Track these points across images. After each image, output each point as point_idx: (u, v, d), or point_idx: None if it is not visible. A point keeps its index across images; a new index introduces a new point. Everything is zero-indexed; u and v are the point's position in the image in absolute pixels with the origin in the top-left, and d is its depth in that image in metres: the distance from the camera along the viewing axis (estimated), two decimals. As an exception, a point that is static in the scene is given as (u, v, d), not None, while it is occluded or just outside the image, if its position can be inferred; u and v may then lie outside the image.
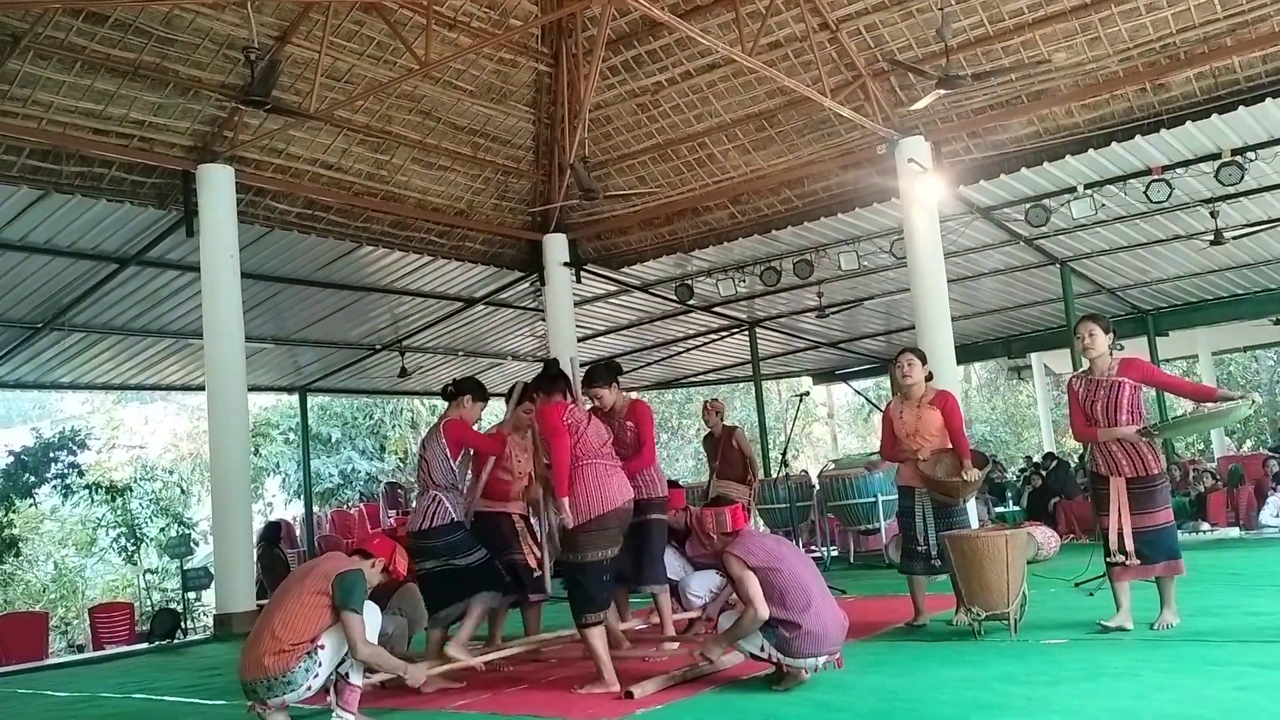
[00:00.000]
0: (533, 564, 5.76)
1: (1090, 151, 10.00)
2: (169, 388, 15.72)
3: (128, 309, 12.03)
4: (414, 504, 5.65)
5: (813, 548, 12.19)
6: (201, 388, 11.33)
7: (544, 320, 13.93)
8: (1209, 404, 5.37)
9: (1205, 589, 6.63)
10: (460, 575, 5.42)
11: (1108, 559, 5.33)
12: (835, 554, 11.85)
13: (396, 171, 11.36)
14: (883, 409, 6.46)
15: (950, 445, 5.98)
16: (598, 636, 4.82)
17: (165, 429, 25.89)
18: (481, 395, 5.89)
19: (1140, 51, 9.43)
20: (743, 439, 9.19)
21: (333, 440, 23.24)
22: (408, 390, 18.39)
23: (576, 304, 13.60)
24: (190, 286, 11.20)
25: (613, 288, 14.41)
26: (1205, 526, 11.66)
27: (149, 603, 16.12)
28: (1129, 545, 5.22)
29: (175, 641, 10.19)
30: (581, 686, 4.84)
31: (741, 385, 25.51)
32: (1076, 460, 15.82)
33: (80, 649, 14.05)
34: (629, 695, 4.56)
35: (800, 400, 11.84)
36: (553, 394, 5.21)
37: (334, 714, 4.32)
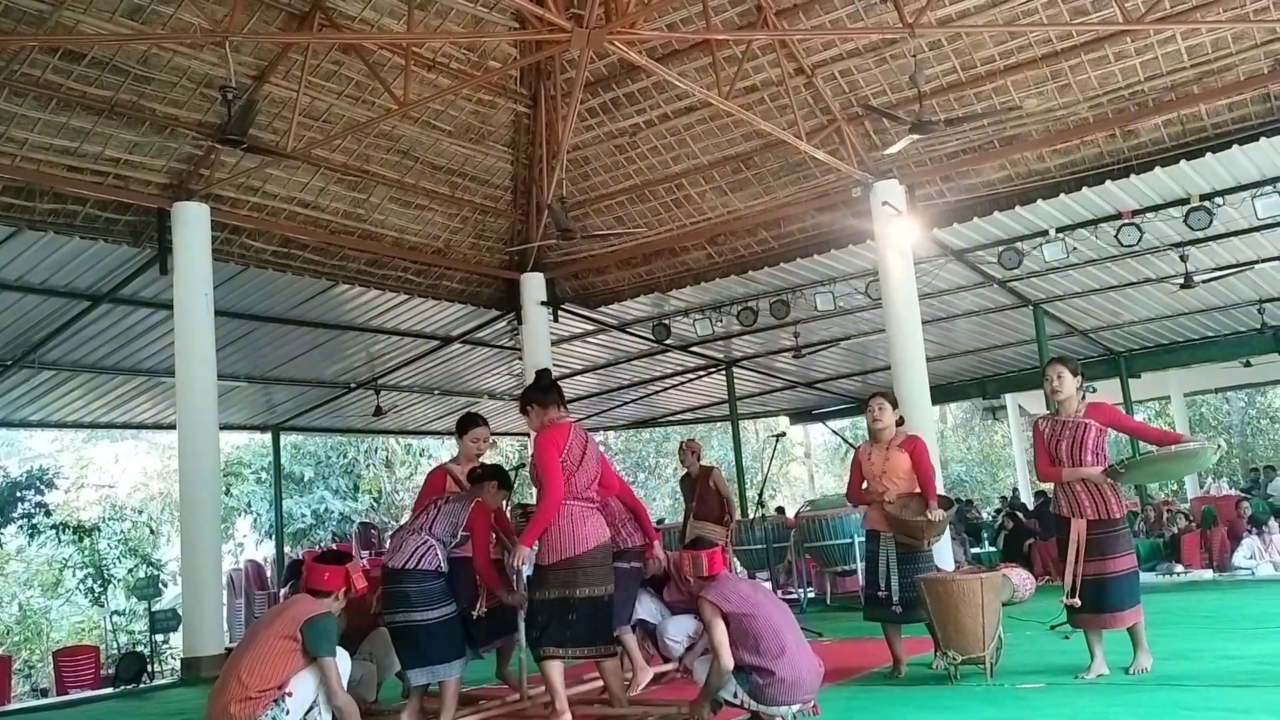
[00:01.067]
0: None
1: (1061, 195, 10.13)
2: (140, 426, 15.55)
3: (99, 346, 11.91)
4: (395, 540, 5.41)
5: (789, 588, 12.13)
6: (173, 426, 11.18)
7: (520, 359, 13.91)
8: (1174, 445, 5.39)
9: (1180, 632, 6.64)
10: (421, 633, 5.08)
11: (1066, 603, 5.31)
12: (812, 595, 11.80)
13: (374, 210, 11.35)
14: (855, 451, 6.47)
15: (917, 490, 5.98)
16: (555, 670, 4.82)
17: (135, 467, 25.58)
18: (507, 484, 5.61)
19: (1110, 98, 9.61)
20: (719, 479, 9.16)
21: (305, 479, 23.02)
22: (382, 429, 18.28)
23: (554, 343, 13.60)
24: (163, 324, 11.10)
25: (590, 326, 14.42)
26: (1179, 568, 11.72)
27: (115, 645, 15.86)
28: (1077, 587, 5.21)
29: (141, 686, 10.01)
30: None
31: (718, 425, 25.52)
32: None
33: (44, 693, 13.78)
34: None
35: (777, 440, 11.83)
36: (547, 407, 5.09)
37: (301, 762, 4.23)
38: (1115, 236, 10.39)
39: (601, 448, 5.82)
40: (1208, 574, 11.40)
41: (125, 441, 24.58)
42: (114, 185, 9.34)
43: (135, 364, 12.60)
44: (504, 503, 5.71)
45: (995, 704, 4.79)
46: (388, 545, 5.41)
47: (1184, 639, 6.32)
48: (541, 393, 5.16)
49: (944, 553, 9.60)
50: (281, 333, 12.67)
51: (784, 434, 14.64)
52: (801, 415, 21.51)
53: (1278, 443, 28.82)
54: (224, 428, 13.16)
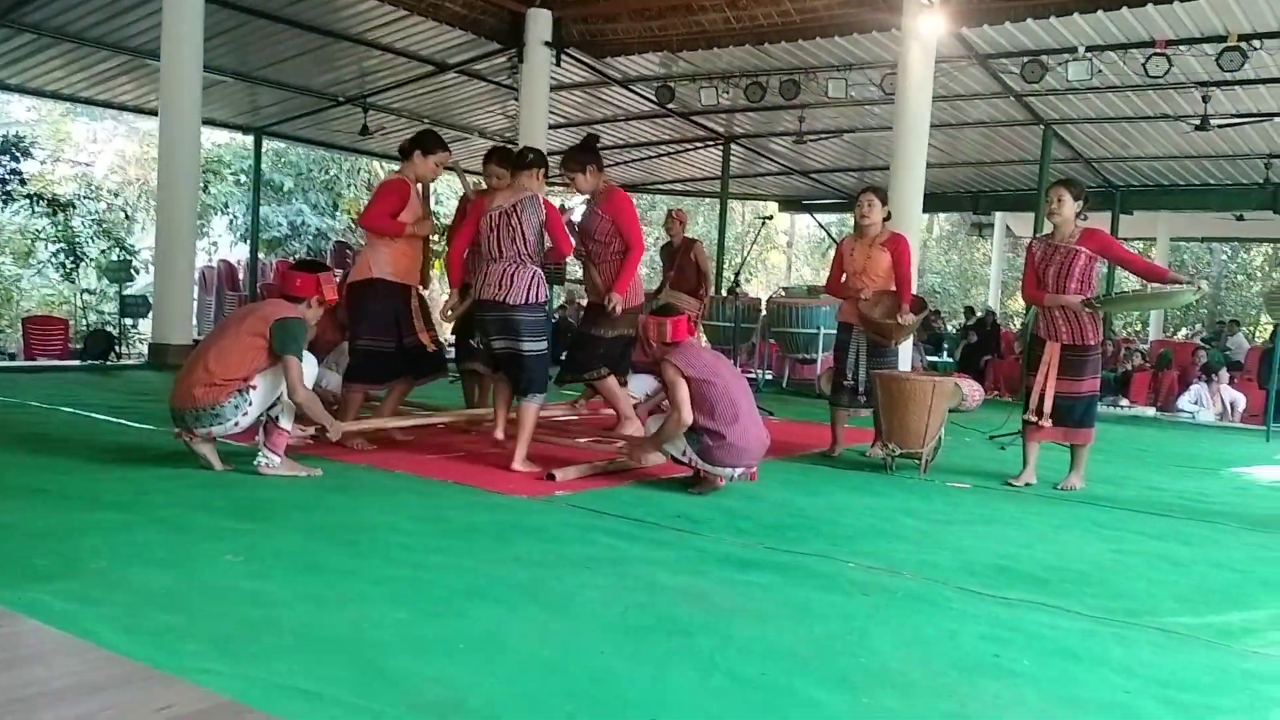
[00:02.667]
0: (427, 343, 5.55)
1: (1099, 12, 9.69)
2: (121, 107, 15.10)
3: (85, 15, 11.36)
4: (491, 271, 5.06)
5: (748, 369, 12.44)
6: (154, 112, 10.91)
7: (517, 99, 13.52)
8: (1155, 284, 5.47)
9: (1112, 460, 6.94)
10: (529, 361, 5.08)
11: (1025, 417, 5.53)
12: (769, 378, 12.13)
13: (382, -88, 10.64)
14: (838, 244, 6.50)
15: (894, 288, 6.05)
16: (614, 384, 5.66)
17: (113, 150, 25.06)
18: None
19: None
20: (701, 253, 9.16)
21: (285, 189, 22.73)
22: (367, 150, 17.92)
23: (552, 88, 13.17)
24: (151, 3, 10.58)
25: (592, 78, 13.94)
26: (1124, 403, 12.13)
27: (84, 323, 16.06)
28: (1047, 408, 5.42)
29: (108, 363, 10.22)
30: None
31: (707, 201, 25.31)
32: (1020, 326, 16.17)
33: (11, 357, 14.05)
34: (550, 477, 4.72)
35: (763, 223, 11.80)
36: (601, 170, 5.59)
37: (260, 453, 4.41)
38: (1143, 65, 10.05)
39: (584, 206, 5.88)
40: (1150, 412, 11.81)
41: (105, 121, 23.95)
42: None
43: (120, 40, 12.09)
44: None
45: (921, 496, 5.05)
46: (478, 276, 5.08)
47: (1113, 467, 6.62)
48: (597, 156, 5.54)
49: (904, 356, 9.82)
50: (273, 30, 12.13)
51: (770, 218, 14.56)
52: (791, 204, 21.32)
53: (1248, 299, 29.20)
54: (206, 122, 12.85)
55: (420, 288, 5.58)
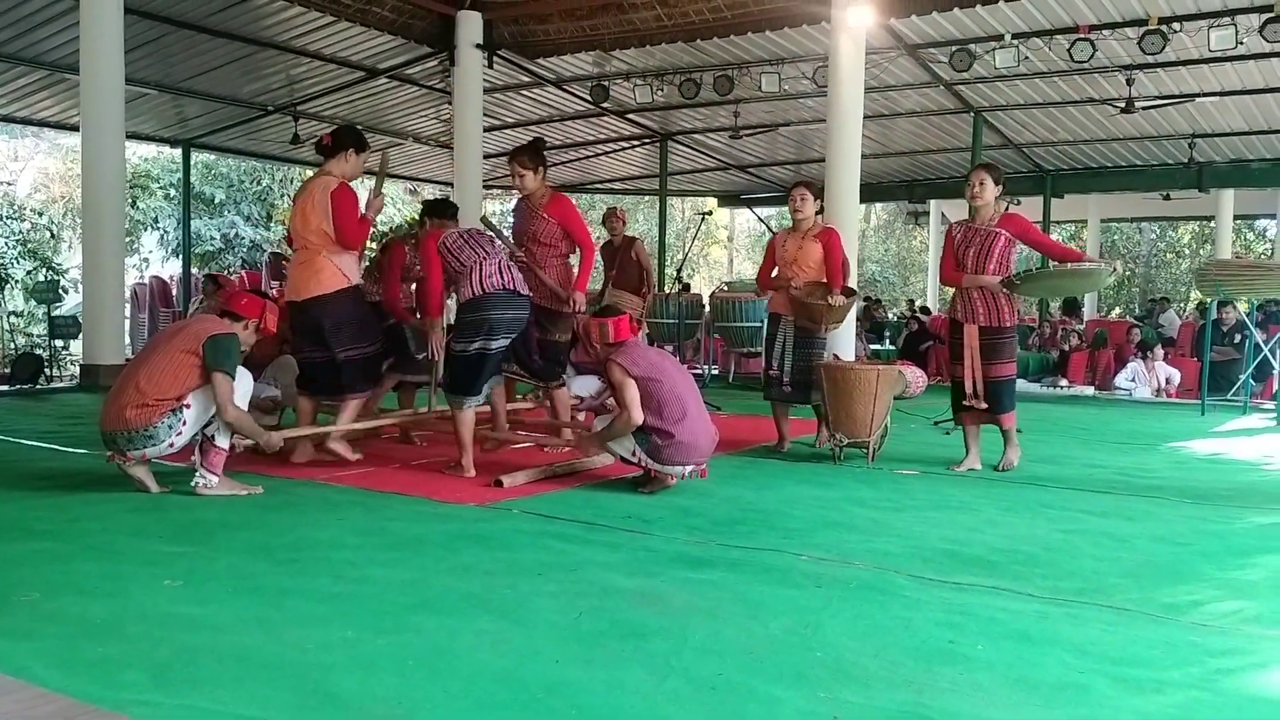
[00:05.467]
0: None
1: (1023, 0, 9.86)
2: (41, 123, 14.69)
3: (-3, 31, 11.05)
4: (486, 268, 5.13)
5: (694, 365, 12.45)
6: (76, 127, 10.61)
7: (450, 104, 13.37)
8: (1071, 263, 5.55)
9: (1053, 440, 7.05)
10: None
11: (960, 403, 5.57)
12: (715, 373, 12.15)
13: (304, -84, 10.46)
14: (771, 237, 6.53)
15: (825, 280, 6.08)
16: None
17: (35, 167, 24.40)
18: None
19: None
20: (641, 251, 9.16)
21: (216, 201, 22.29)
22: (300, 159, 17.62)
23: (486, 91, 13.06)
24: (68, 15, 10.30)
25: (525, 79, 13.84)
26: (1064, 382, 12.34)
27: (12, 346, 15.60)
28: (981, 389, 5.47)
29: (38, 387, 9.93)
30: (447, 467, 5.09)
31: (646, 198, 25.33)
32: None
33: (-65, 385, 13.57)
34: (498, 484, 4.66)
35: (703, 219, 11.81)
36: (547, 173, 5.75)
37: (197, 473, 4.29)
38: (1068, 51, 10.24)
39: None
40: (1089, 390, 12.03)
41: (25, 139, 23.33)
42: None
43: (38, 54, 11.75)
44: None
45: (870, 484, 5.07)
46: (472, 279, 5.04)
47: (1055, 446, 6.72)
48: (545, 160, 5.64)
49: (847, 345, 9.89)
50: (196, 41, 11.86)
51: (710, 213, 14.58)
52: (730, 199, 21.41)
53: (1178, 276, 29.91)
54: (131, 136, 12.57)
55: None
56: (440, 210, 5.79)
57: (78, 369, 10.44)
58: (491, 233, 5.50)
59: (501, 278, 5.07)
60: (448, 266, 5.12)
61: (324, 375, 5.23)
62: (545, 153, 5.76)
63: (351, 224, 4.99)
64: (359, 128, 6.22)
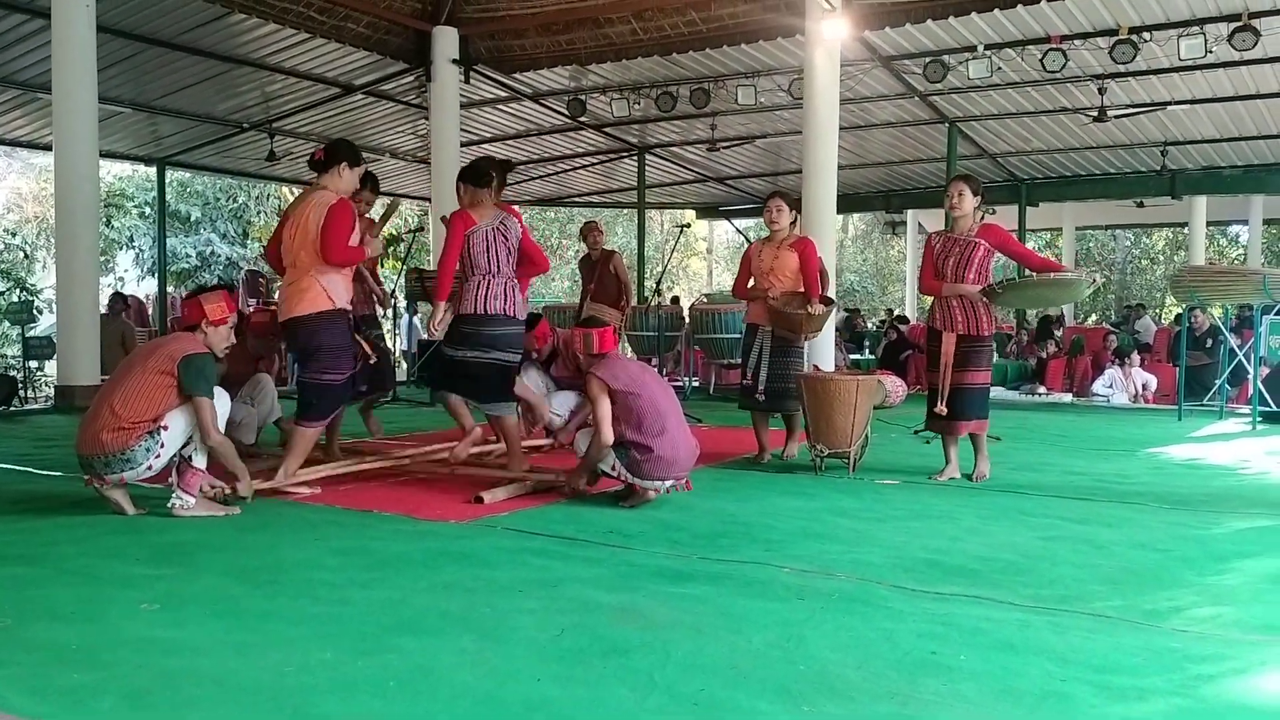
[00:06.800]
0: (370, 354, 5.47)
1: (996, 11, 9.95)
2: (14, 143, 14.59)
3: (-35, 51, 10.96)
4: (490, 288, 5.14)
5: (675, 377, 12.45)
6: (49, 147, 10.55)
7: (427, 119, 13.36)
8: (1052, 273, 5.60)
9: (1032, 447, 7.09)
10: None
11: (936, 409, 5.59)
12: (696, 385, 12.15)
13: (277, -66, 10.45)
14: (747, 248, 6.55)
15: (802, 290, 6.10)
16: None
17: (7, 188, 24.20)
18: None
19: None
20: (620, 264, 9.18)
21: (192, 219, 22.18)
22: (276, 175, 17.57)
23: (462, 106, 13.08)
24: (40, 34, 10.24)
25: (502, 94, 13.87)
26: (1041, 390, 12.42)
27: (-14, 368, 15.44)
28: (944, 396, 5.50)
29: (12, 409, 9.82)
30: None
31: (625, 211, 25.35)
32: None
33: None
34: (479, 500, 4.64)
35: (681, 231, 11.83)
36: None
37: (174, 494, 4.24)
38: (1040, 61, 10.36)
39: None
40: (1067, 398, 12.11)
41: (-3, 159, 23.15)
42: None
43: (9, 73, 11.68)
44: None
45: (852, 494, 5.08)
46: (477, 294, 5.04)
47: (1034, 453, 6.76)
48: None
49: (826, 356, 9.92)
50: (170, 59, 11.83)
51: (689, 225, 14.63)
52: (708, 210, 21.48)
53: (1153, 282, 30.19)
54: (105, 155, 12.48)
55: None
56: (478, 178, 5.21)
57: (53, 390, 10.33)
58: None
59: (503, 301, 5.07)
60: (463, 257, 5.08)
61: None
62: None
63: (339, 241, 4.73)
64: (344, 138, 6.10)
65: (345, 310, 4.94)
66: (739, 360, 10.85)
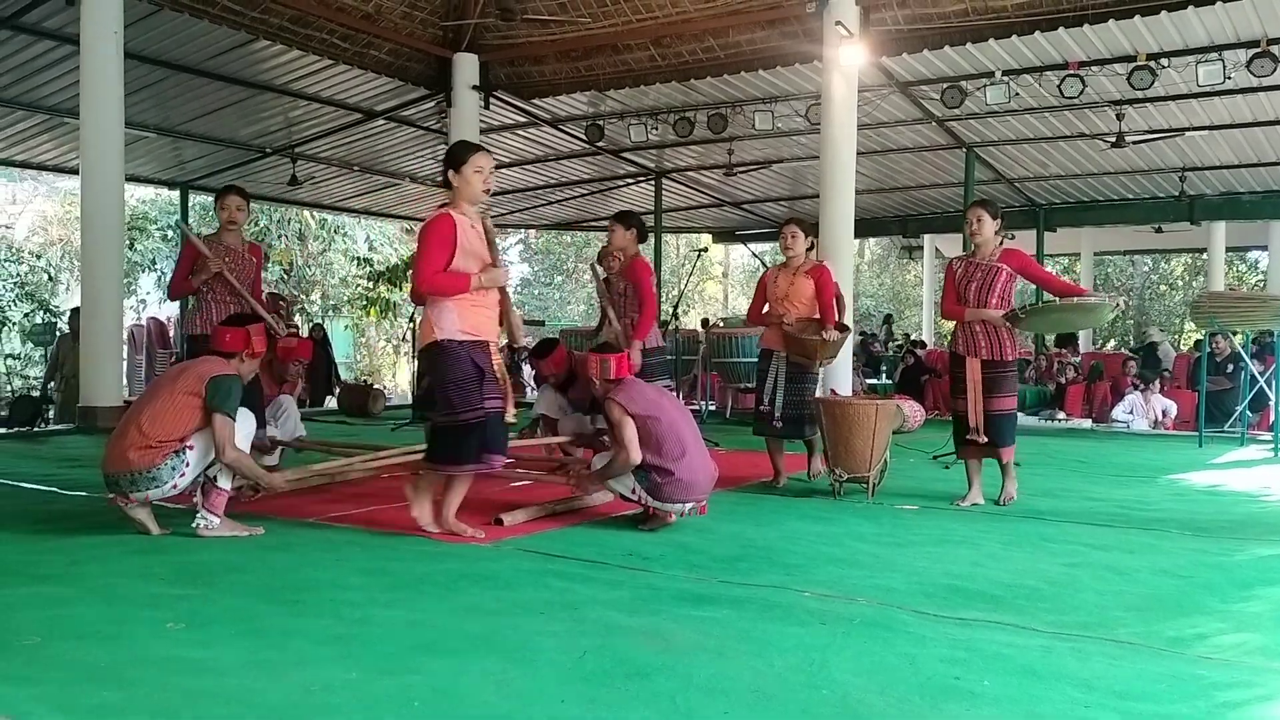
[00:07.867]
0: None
1: (1014, 37, 9.97)
2: (40, 166, 14.78)
3: (-2, 76, 11.14)
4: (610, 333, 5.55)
5: (692, 401, 12.46)
6: (75, 171, 10.68)
7: (446, 144, 13.47)
8: (1075, 297, 5.59)
9: (1053, 473, 7.06)
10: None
11: (964, 437, 5.58)
12: (712, 408, 12.15)
13: (302, -37, 10.60)
14: (762, 274, 6.59)
15: (818, 316, 6.11)
16: None
17: (33, 210, 24.49)
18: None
19: (1077, -59, 9.35)
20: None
21: (215, 243, 22.32)
22: (297, 200, 17.72)
23: (482, 131, 13.18)
24: (68, 60, 10.40)
25: (521, 119, 13.99)
26: (1061, 415, 12.37)
27: (9, 389, 15.60)
28: (980, 423, 5.48)
29: (35, 430, 9.91)
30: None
31: (641, 234, 25.36)
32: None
33: (-69, 428, 13.54)
34: (499, 522, 4.65)
35: (699, 255, 11.89)
36: None
37: (199, 514, 4.28)
38: (1058, 87, 10.36)
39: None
40: (1086, 423, 12.05)
41: (24, 182, 23.43)
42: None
43: (37, 99, 11.85)
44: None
45: (872, 520, 5.07)
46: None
47: (1055, 479, 6.73)
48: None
49: (844, 381, 9.91)
50: (195, 85, 11.98)
51: (706, 250, 14.67)
52: (725, 235, 21.51)
53: (1171, 308, 30.01)
54: (130, 179, 12.61)
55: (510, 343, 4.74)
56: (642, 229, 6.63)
57: (75, 411, 10.42)
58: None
59: None
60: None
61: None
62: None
63: (423, 265, 4.22)
64: (461, 139, 5.59)
65: (445, 345, 4.34)
66: (755, 384, 10.94)
